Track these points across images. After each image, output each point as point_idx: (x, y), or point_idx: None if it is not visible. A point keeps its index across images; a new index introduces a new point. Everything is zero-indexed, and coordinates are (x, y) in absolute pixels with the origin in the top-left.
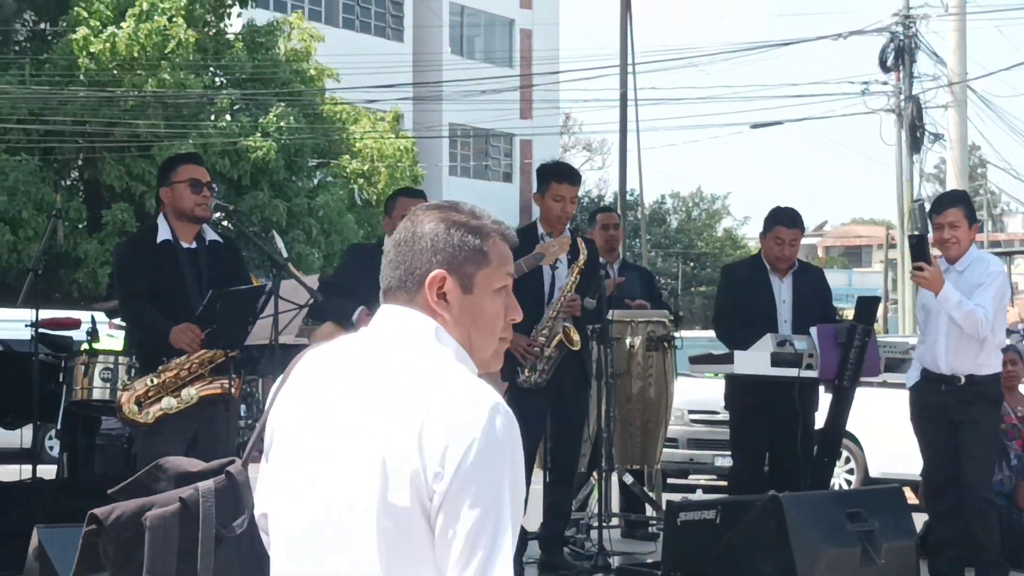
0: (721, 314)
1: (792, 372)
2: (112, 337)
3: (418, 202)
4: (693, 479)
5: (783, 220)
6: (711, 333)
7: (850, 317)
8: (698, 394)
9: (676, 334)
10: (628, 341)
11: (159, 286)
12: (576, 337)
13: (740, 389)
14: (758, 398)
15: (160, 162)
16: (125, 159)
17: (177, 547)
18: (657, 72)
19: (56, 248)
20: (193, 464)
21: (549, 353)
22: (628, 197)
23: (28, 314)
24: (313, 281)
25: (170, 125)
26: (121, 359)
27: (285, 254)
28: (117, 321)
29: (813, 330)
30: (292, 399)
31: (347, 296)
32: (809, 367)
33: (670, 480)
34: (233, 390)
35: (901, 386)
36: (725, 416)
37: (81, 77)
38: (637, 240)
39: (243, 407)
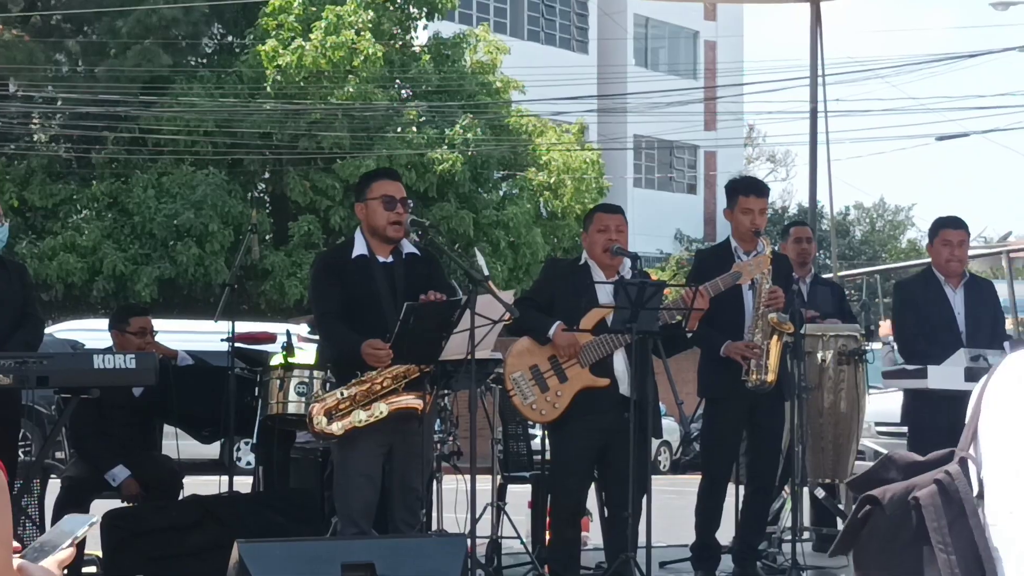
0: (905, 334)
1: None
2: (302, 350)
3: (616, 218)
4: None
5: (947, 223)
6: None
7: None
8: (885, 405)
9: (868, 347)
10: (819, 355)
11: (354, 302)
12: (787, 323)
13: (920, 404)
14: (941, 414)
15: (342, 176)
16: (309, 173)
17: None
18: (842, 84)
19: (251, 262)
20: (917, 456)
21: (766, 345)
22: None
23: (223, 328)
24: (509, 296)
25: (355, 138)
26: (316, 373)
27: (487, 271)
28: (305, 333)
29: (1007, 344)
30: (1003, 396)
31: (544, 311)
32: None
33: None
34: (425, 405)
35: None
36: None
37: (268, 90)
38: (822, 252)
39: (437, 422)
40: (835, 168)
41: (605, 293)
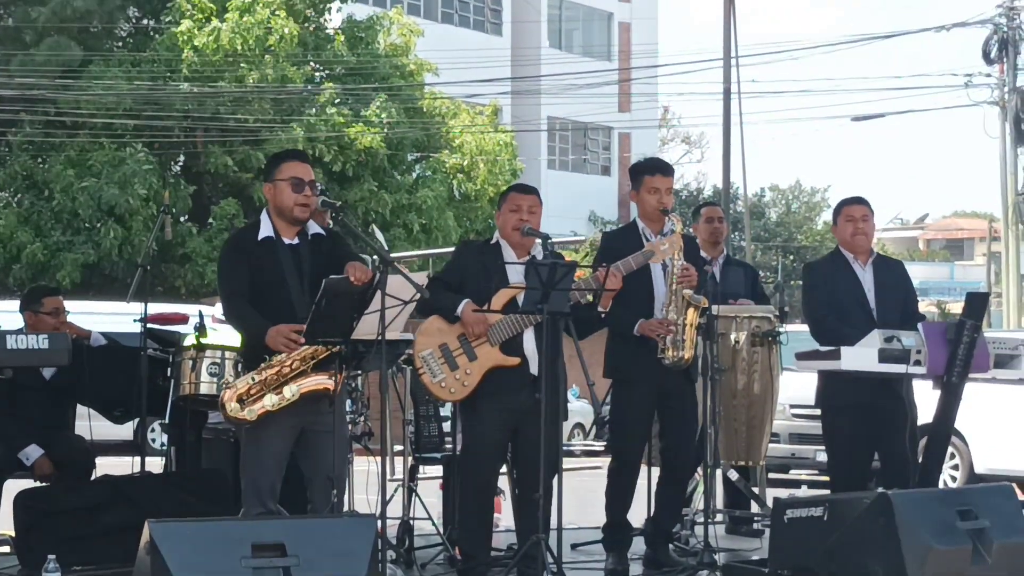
0: (815, 312)
1: (900, 368)
2: (215, 331)
3: (529, 198)
4: (794, 474)
5: (848, 201)
6: None
7: (954, 311)
8: (800, 389)
9: (781, 329)
10: (733, 337)
11: (260, 284)
12: (701, 298)
13: (836, 386)
14: (856, 395)
15: (267, 151)
16: (231, 148)
17: None
18: (756, 65)
19: (164, 243)
20: None
21: (682, 321)
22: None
23: (136, 309)
24: (421, 278)
25: (272, 120)
26: (228, 354)
27: (386, 248)
28: (218, 315)
29: (920, 326)
30: None
31: (455, 291)
32: (917, 363)
33: (771, 475)
34: (336, 386)
35: (1009, 382)
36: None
37: (184, 71)
38: (737, 234)
39: (348, 402)
40: (750, 150)
41: (516, 273)
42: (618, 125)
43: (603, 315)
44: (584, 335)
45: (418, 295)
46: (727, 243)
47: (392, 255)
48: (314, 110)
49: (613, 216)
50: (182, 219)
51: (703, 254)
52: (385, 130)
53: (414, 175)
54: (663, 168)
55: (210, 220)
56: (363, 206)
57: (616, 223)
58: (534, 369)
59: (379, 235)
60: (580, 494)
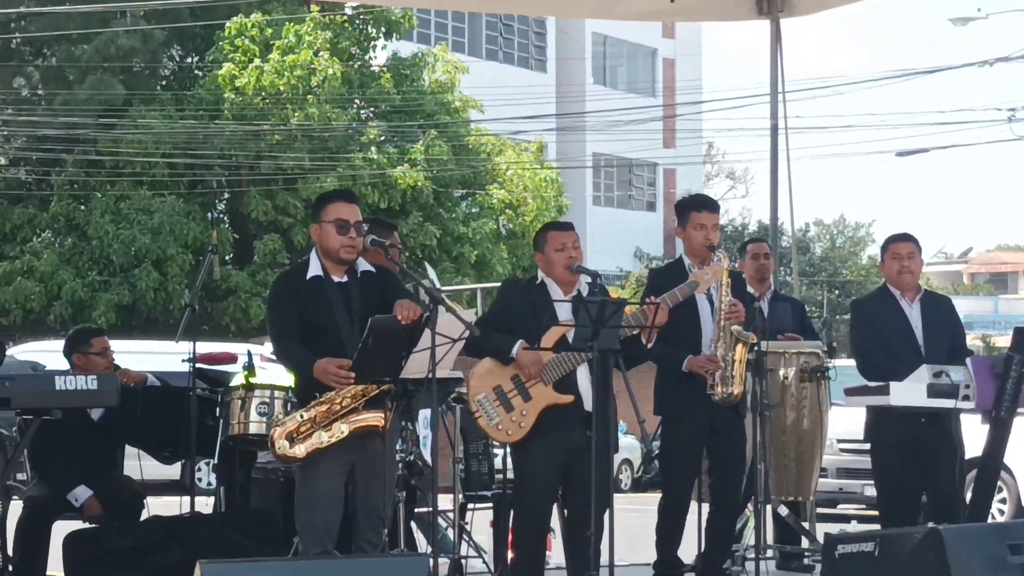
0: (864, 348)
1: (949, 403)
2: (264, 370)
3: (571, 235)
4: (843, 509)
5: (895, 238)
6: None
7: (999, 344)
8: (848, 424)
9: (830, 364)
10: (782, 372)
11: (309, 324)
12: (749, 333)
13: (885, 421)
14: (905, 431)
15: (304, 195)
16: (271, 192)
17: None
18: (801, 101)
19: (212, 283)
20: None
21: (731, 357)
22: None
23: (184, 349)
24: (470, 316)
25: (315, 159)
26: (277, 393)
27: (438, 284)
28: (267, 353)
29: (969, 361)
30: None
31: (503, 332)
32: (966, 398)
33: (820, 510)
34: (386, 423)
35: None
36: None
37: (226, 112)
38: (783, 269)
39: (399, 441)
40: (795, 185)
41: (564, 311)
42: (663, 161)
43: (648, 347)
44: (630, 367)
45: (467, 333)
46: (774, 279)
47: (442, 289)
48: (359, 150)
49: (659, 252)
50: (227, 259)
51: (750, 290)
52: (431, 168)
53: (462, 212)
54: (709, 204)
55: (253, 253)
56: (412, 239)
57: (661, 259)
58: (588, 406)
59: (430, 272)
60: (631, 531)
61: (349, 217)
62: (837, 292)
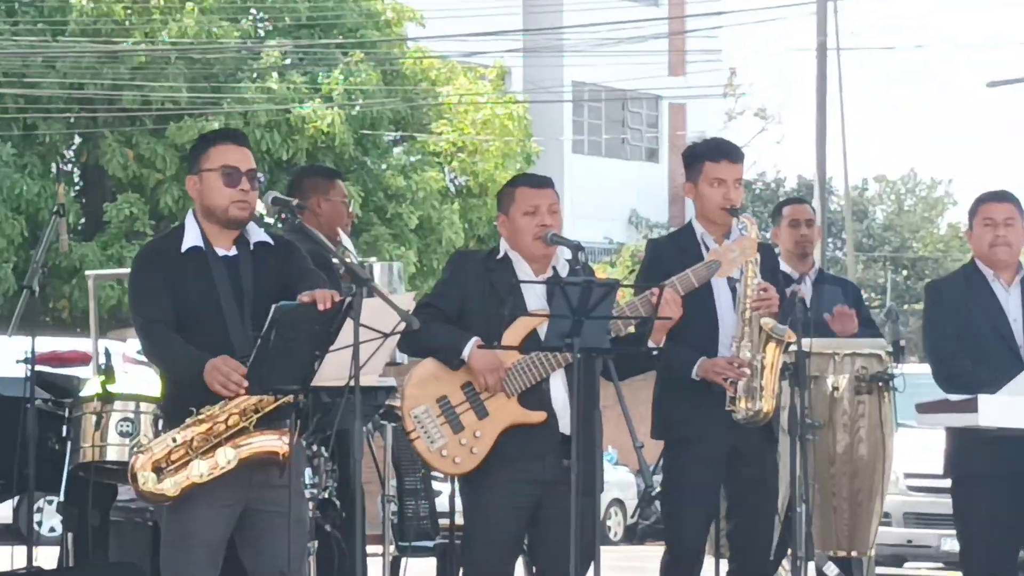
0: (942, 348)
1: None
2: (127, 375)
3: (546, 194)
4: (911, 568)
5: (989, 197)
6: None
7: None
8: (920, 453)
9: (896, 370)
10: (830, 381)
11: (185, 312)
12: (785, 329)
13: (971, 449)
14: (998, 462)
15: (178, 141)
16: (133, 138)
17: None
18: (857, 14)
19: (58, 258)
20: None
21: (760, 361)
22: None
23: (20, 346)
24: (407, 301)
25: (195, 89)
26: (144, 406)
27: (358, 258)
28: (133, 354)
29: None
30: None
31: (453, 322)
32: None
33: (879, 569)
34: (289, 449)
35: None
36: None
37: (73, 25)
38: (832, 241)
39: (308, 472)
40: (849, 127)
41: (535, 296)
42: (668, 93)
43: (655, 352)
44: (625, 376)
45: (402, 326)
46: (821, 254)
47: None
48: (255, 78)
49: (662, 217)
50: (77, 224)
51: (787, 269)
52: (350, 106)
53: (394, 160)
54: (730, 152)
55: (105, 219)
56: None
57: (666, 227)
58: (564, 426)
59: (345, 240)
60: None
61: (240, 163)
62: (906, 272)
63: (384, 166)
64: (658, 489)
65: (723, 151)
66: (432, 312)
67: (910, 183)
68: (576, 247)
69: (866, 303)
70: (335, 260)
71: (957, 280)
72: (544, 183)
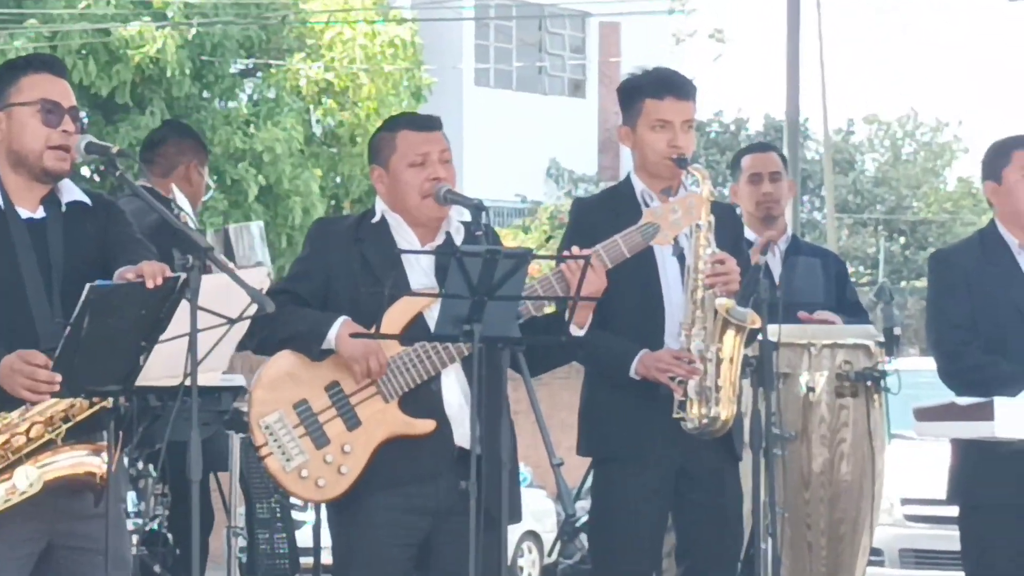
0: (950, 337)
1: None
2: None
3: (435, 138)
4: None
5: (1014, 143)
6: None
7: None
8: (919, 471)
9: (889, 366)
10: (805, 380)
11: None
12: (749, 316)
13: (984, 468)
14: (1020, 484)
15: None
16: None
17: None
18: None
19: None
20: None
21: (714, 354)
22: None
23: None
24: (259, 277)
25: None
26: None
27: (196, 223)
28: None
29: None
30: None
31: (317, 305)
32: None
33: None
34: (108, 467)
35: None
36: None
37: None
38: (809, 199)
39: (132, 495)
40: (829, 55)
41: (421, 270)
42: (599, 9)
43: (577, 340)
44: (541, 371)
45: (253, 308)
46: (793, 216)
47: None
48: None
49: (590, 169)
50: None
51: (750, 236)
52: (186, 26)
53: (243, 99)
54: (677, 86)
55: None
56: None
57: (595, 181)
58: (461, 438)
59: (179, 196)
60: None
61: (59, 98)
62: (903, 240)
63: (227, 104)
64: (584, 519)
65: (668, 85)
66: (288, 298)
67: (909, 125)
68: (477, 207)
69: (852, 280)
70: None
71: (970, 249)
72: (433, 124)
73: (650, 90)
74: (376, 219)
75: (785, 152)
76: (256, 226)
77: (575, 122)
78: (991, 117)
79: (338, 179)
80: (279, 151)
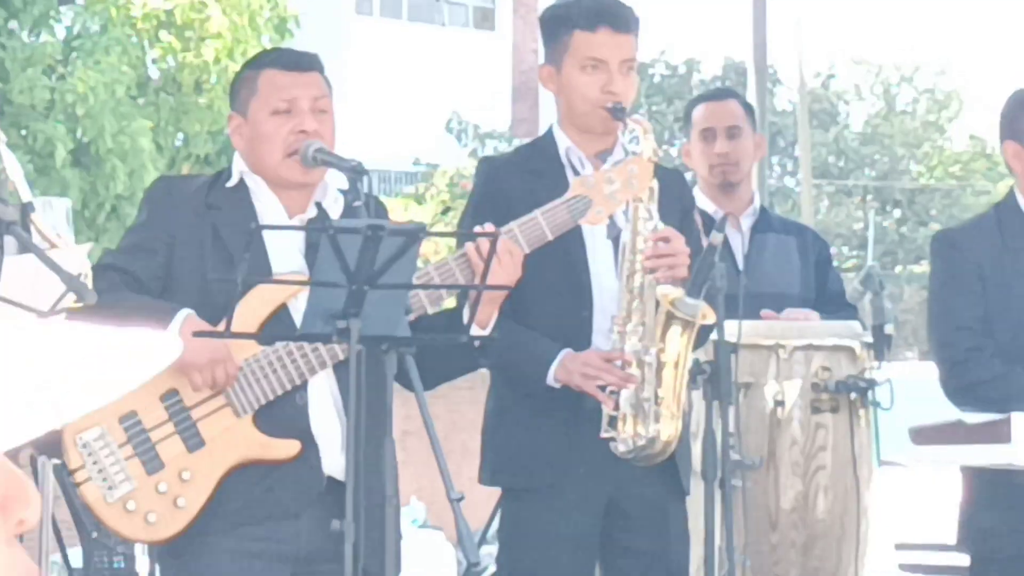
0: (955, 338)
1: None
2: None
3: (309, 80)
4: None
5: None
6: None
7: None
8: (916, 508)
9: (879, 374)
10: (771, 391)
11: None
12: (700, 309)
13: (1000, 503)
14: None
15: None
16: None
17: None
18: None
19: None
20: None
21: (655, 357)
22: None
23: None
24: (78, 257)
25: None
26: None
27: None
28: None
29: None
30: None
31: (153, 292)
32: None
33: None
34: None
35: None
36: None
37: None
38: (779, 160)
39: None
40: None
41: (287, 250)
42: None
43: (483, 341)
44: (437, 381)
45: (68, 299)
46: (760, 182)
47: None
48: None
49: (500, 122)
50: None
51: (706, 207)
52: None
53: (56, 34)
54: (613, 16)
55: None
56: None
57: (507, 138)
58: (331, 465)
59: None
60: None
61: None
62: (898, 214)
63: (42, 40)
64: (491, 569)
65: (603, 13)
66: (116, 278)
67: (906, 68)
68: (355, 169)
69: (834, 264)
70: None
71: (984, 229)
72: (307, 63)
73: (580, 19)
74: (233, 182)
75: (751, 101)
76: (61, 203)
77: (482, 62)
78: (1006, 63)
79: (179, 137)
80: (94, 100)
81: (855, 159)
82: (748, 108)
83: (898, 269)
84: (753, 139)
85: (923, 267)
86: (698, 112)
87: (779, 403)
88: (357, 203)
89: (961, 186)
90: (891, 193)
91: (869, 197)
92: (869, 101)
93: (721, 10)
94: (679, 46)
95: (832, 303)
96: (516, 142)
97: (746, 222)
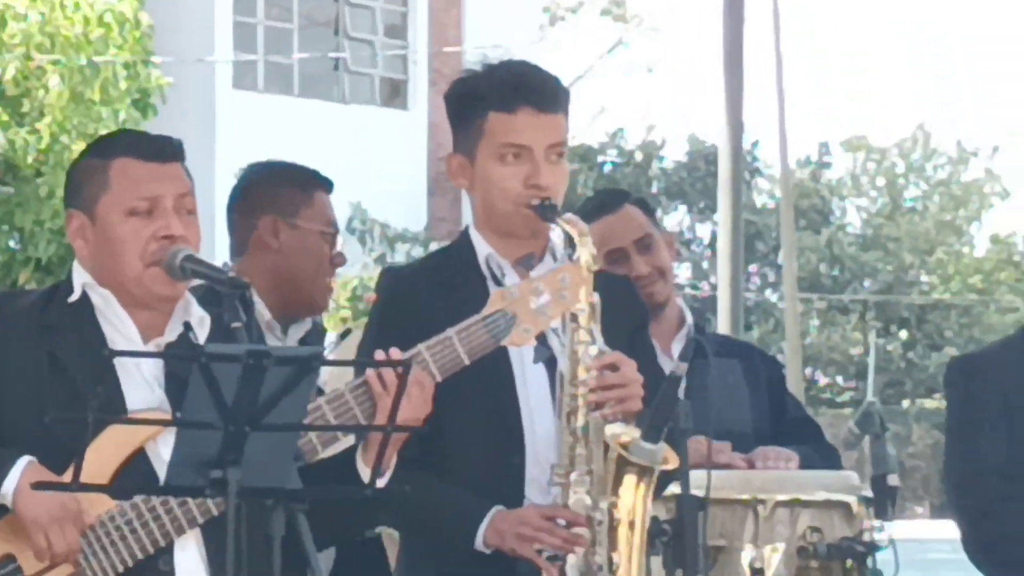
0: (984, 490)
1: None
2: None
3: (169, 171)
4: None
5: None
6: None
7: None
8: None
9: (881, 534)
10: (748, 557)
11: None
12: (658, 448)
13: None
14: None
15: None
16: None
17: None
18: None
19: None
20: None
21: (605, 511)
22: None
23: None
24: None
25: None
26: None
27: None
28: None
29: None
30: None
31: None
32: None
33: None
34: None
35: None
36: None
37: None
38: (757, 269)
39: None
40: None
41: (144, 381)
42: None
43: (391, 494)
44: (334, 542)
45: None
46: (734, 297)
47: None
48: None
49: (415, 221)
50: None
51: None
52: None
53: None
54: (536, 91)
55: None
56: None
57: (421, 240)
58: None
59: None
60: None
61: None
62: (905, 334)
63: None
64: None
65: (522, 90)
66: None
67: (915, 154)
68: (234, 283)
69: (828, 396)
70: None
71: (1010, 352)
72: (169, 152)
73: (495, 99)
74: (74, 297)
75: (723, 193)
76: None
77: (392, 147)
78: None
79: (13, 237)
80: None
81: (852, 268)
82: (644, 205)
83: (905, 404)
84: (660, 238)
85: (936, 401)
86: (594, 231)
87: (757, 571)
88: (236, 325)
89: (983, 301)
90: (896, 310)
91: (869, 315)
92: (870, 195)
93: (687, 80)
94: (635, 127)
95: (794, 435)
96: (434, 245)
97: (677, 348)
